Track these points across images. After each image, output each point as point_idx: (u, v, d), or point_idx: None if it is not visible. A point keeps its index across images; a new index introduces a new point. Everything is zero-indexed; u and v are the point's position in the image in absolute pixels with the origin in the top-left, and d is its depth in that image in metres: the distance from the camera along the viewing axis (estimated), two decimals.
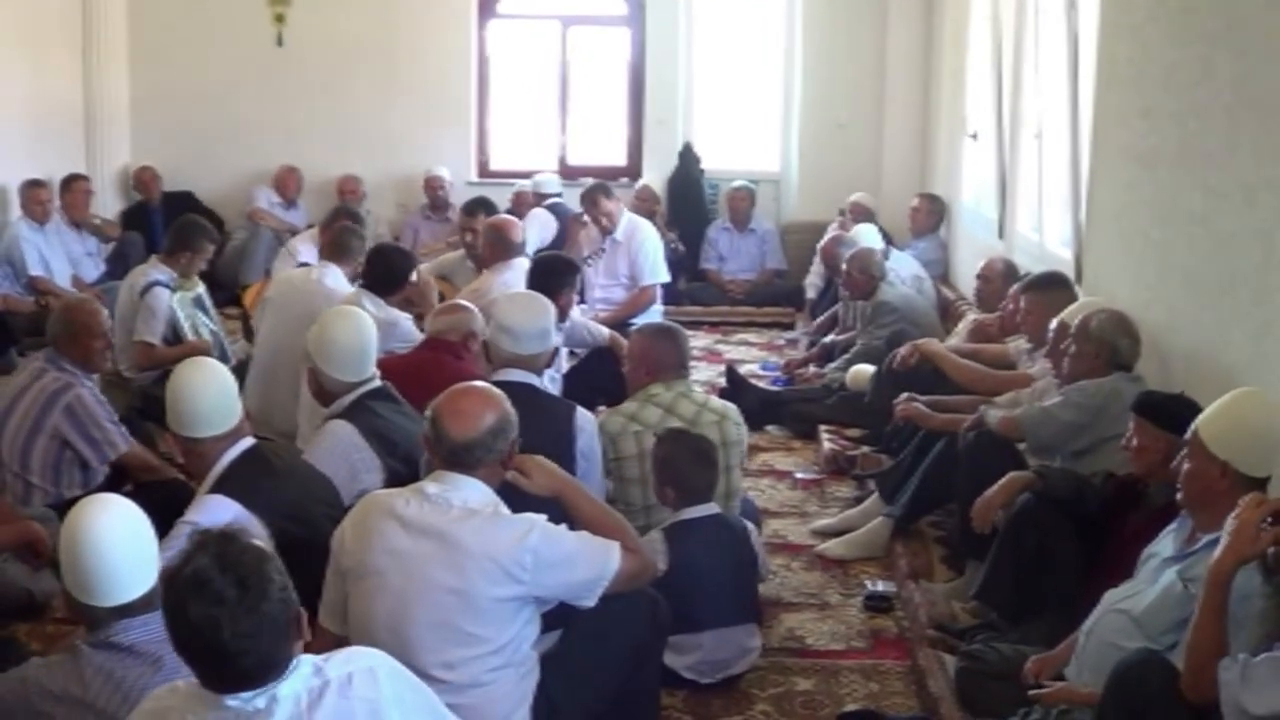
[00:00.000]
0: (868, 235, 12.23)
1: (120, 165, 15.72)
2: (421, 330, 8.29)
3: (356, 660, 3.67)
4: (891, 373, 9.08)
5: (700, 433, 6.65)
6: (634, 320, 10.54)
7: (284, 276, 9.74)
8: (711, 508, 6.36)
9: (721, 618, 6.15)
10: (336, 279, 8.92)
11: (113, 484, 7.22)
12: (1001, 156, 11.58)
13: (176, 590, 3.42)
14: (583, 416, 6.54)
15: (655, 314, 11.21)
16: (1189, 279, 7.07)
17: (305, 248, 11.28)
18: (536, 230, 11.93)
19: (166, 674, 4.02)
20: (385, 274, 8.52)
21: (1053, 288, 8.08)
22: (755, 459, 9.34)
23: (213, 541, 3.49)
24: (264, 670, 3.45)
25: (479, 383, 5.32)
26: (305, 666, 3.55)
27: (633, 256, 11.33)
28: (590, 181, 12.69)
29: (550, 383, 7.67)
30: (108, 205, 15.12)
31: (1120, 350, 6.77)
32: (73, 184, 13.78)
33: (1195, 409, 5.20)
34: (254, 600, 3.40)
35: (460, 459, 4.81)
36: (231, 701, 3.43)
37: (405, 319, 8.39)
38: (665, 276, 11.73)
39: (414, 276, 8.87)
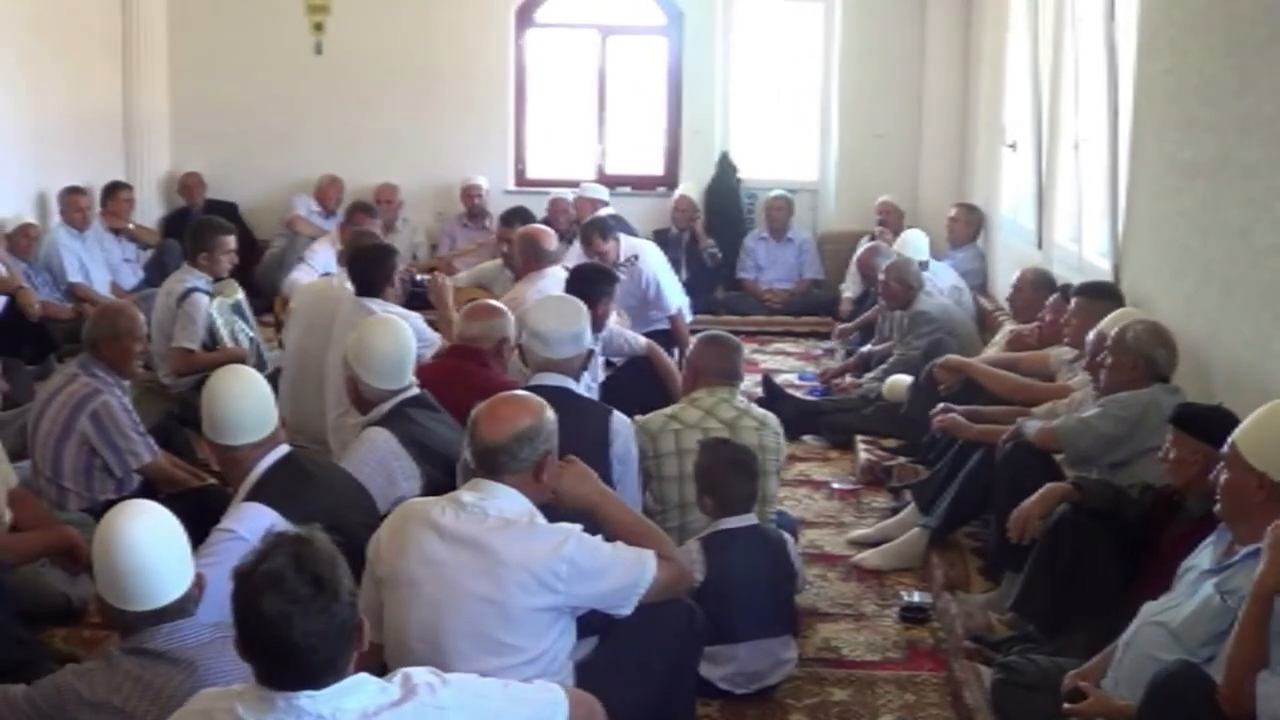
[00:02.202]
0: (916, 242, 12.16)
1: (160, 173, 15.80)
2: (435, 329, 8.33)
3: (418, 676, 3.67)
4: (929, 383, 9.07)
5: (739, 438, 6.66)
6: (652, 329, 10.53)
7: (307, 286, 9.76)
8: (750, 518, 6.35)
9: (758, 629, 6.14)
10: None
11: (149, 488, 7.23)
12: (1040, 167, 11.56)
13: (251, 585, 3.44)
14: (619, 420, 6.55)
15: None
16: (1228, 290, 7.05)
17: (322, 252, 11.37)
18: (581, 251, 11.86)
19: (201, 680, 4.03)
20: (370, 274, 8.42)
21: (1103, 297, 8.03)
22: (792, 469, 9.32)
23: (289, 541, 3.52)
24: (326, 671, 3.46)
25: (523, 392, 5.33)
26: (370, 685, 3.56)
27: (642, 287, 10.91)
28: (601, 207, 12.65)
29: (586, 391, 7.67)
30: (148, 213, 15.18)
31: (1157, 361, 6.75)
32: (116, 192, 13.85)
33: (1233, 420, 5.18)
34: (326, 600, 3.43)
35: (486, 462, 4.82)
36: (298, 701, 3.44)
37: (416, 316, 8.33)
38: (681, 297, 11.50)
39: (419, 277, 8.76)
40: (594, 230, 10.85)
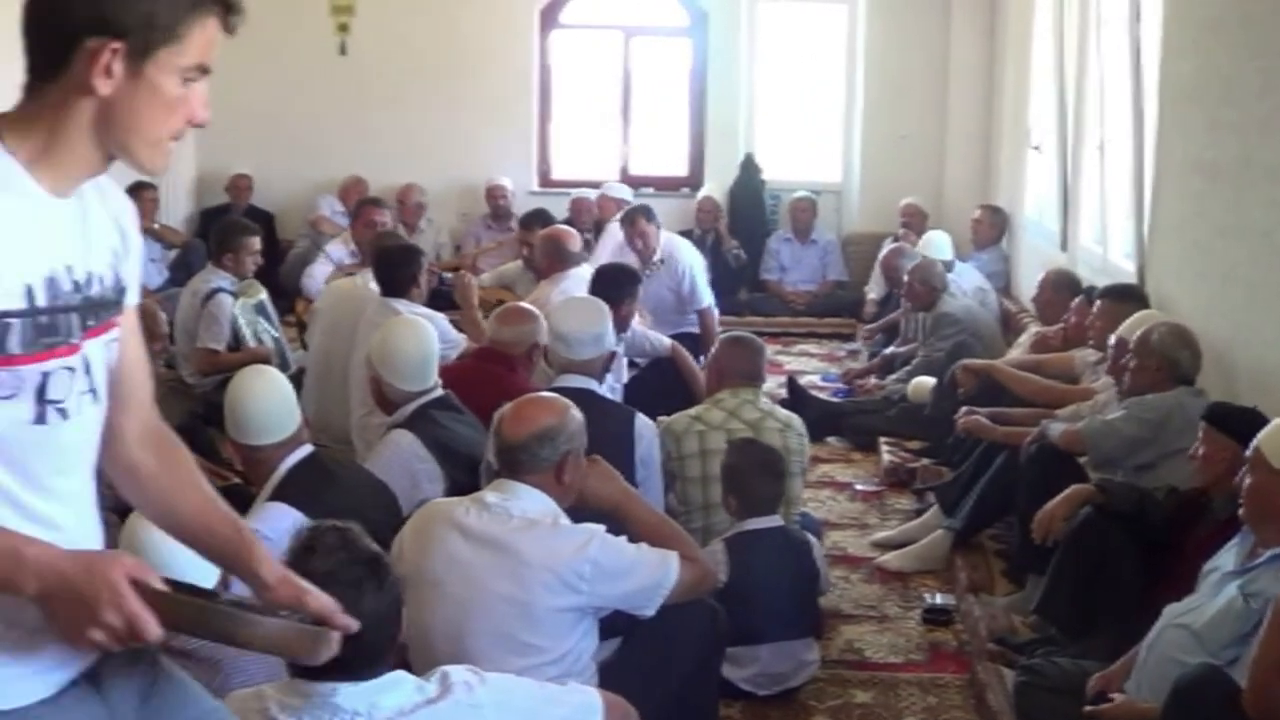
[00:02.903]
0: (938, 243, 12.18)
1: (185, 173, 15.83)
2: (459, 329, 8.33)
3: (455, 675, 3.68)
4: (953, 385, 9.05)
5: (762, 439, 6.66)
6: (679, 330, 10.52)
7: (331, 286, 9.76)
8: (775, 520, 6.34)
9: (781, 631, 6.13)
10: None
11: None
12: (1064, 168, 11.54)
13: (309, 572, 3.42)
14: (642, 423, 6.57)
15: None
16: (1252, 292, 7.03)
17: (336, 249, 11.40)
18: (611, 250, 11.85)
19: (225, 679, 4.04)
20: (396, 274, 8.41)
21: (1128, 300, 8.01)
22: (815, 470, 9.27)
23: (333, 530, 3.56)
24: (368, 660, 3.49)
25: (549, 393, 5.35)
26: (408, 682, 3.58)
27: (678, 280, 11.03)
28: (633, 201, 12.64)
29: (610, 392, 7.66)
30: (173, 212, 15.22)
31: (1181, 363, 6.73)
32: (140, 193, 13.82)
33: (1264, 423, 5.17)
34: (376, 585, 3.48)
35: (506, 461, 4.84)
36: (334, 699, 3.46)
37: (440, 318, 8.32)
38: (710, 295, 11.44)
39: (445, 276, 8.72)
40: (639, 213, 11.10)
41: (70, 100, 2.59)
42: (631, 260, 10.52)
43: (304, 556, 3.48)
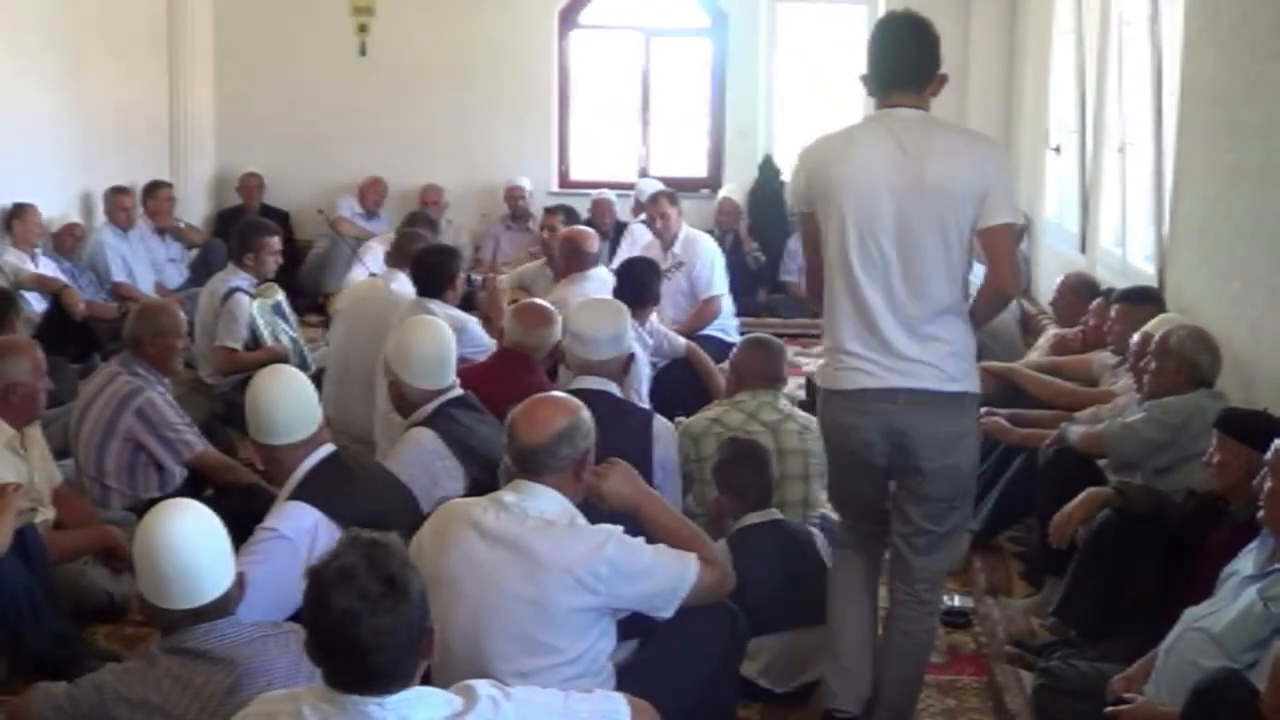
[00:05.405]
0: None
1: (205, 173, 15.89)
2: (491, 335, 8.33)
3: (481, 689, 3.67)
4: None
5: (781, 441, 6.67)
6: (701, 333, 10.55)
7: (353, 286, 9.79)
8: (771, 514, 6.33)
9: (789, 620, 6.09)
10: (403, 285, 8.81)
11: (190, 487, 7.26)
12: (1084, 170, 11.51)
13: (322, 581, 3.44)
14: (660, 425, 6.56)
15: (730, 326, 11.13)
16: (1273, 295, 7.01)
17: (375, 255, 11.37)
18: (629, 250, 11.87)
19: (241, 679, 4.05)
20: (435, 275, 8.42)
21: (1145, 302, 8.02)
22: None
23: (364, 541, 3.52)
24: (392, 674, 3.46)
25: (558, 392, 5.34)
26: (436, 697, 3.57)
27: (691, 270, 11.12)
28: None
29: (636, 396, 7.66)
30: (193, 212, 15.26)
31: (1201, 366, 6.71)
32: (156, 191, 13.89)
33: (1278, 426, 5.16)
34: (395, 600, 3.43)
35: (528, 463, 4.82)
36: (365, 708, 3.44)
37: (472, 322, 8.35)
38: (724, 288, 11.45)
39: (474, 278, 8.76)
40: (663, 195, 11.33)
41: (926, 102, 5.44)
42: (654, 253, 10.65)
43: (326, 563, 3.48)
